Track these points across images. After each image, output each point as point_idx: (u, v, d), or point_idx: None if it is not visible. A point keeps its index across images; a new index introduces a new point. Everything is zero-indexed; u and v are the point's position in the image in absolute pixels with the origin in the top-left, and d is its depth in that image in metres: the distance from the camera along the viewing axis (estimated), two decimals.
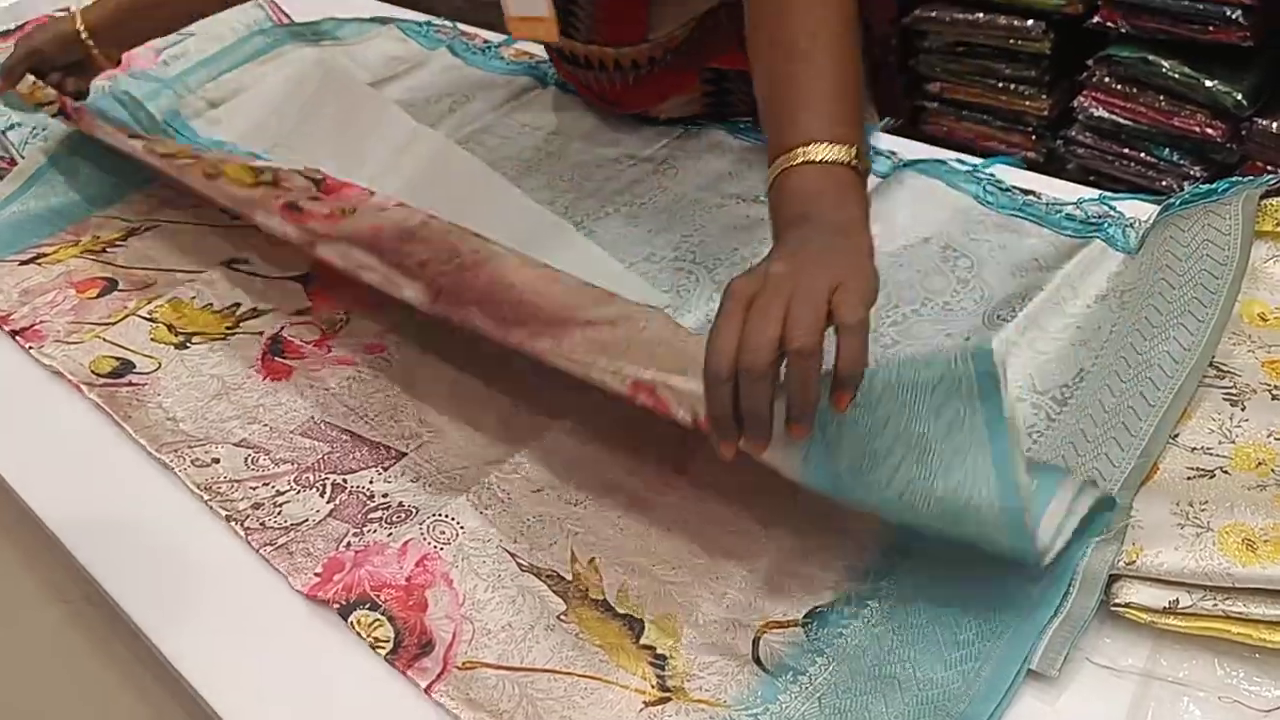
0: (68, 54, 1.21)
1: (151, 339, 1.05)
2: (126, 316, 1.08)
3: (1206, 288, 0.84)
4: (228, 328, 1.05)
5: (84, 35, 1.19)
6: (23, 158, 1.33)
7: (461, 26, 1.62)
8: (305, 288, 1.10)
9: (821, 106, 0.74)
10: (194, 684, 0.75)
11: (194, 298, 1.10)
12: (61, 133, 1.34)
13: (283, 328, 1.04)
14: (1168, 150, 2.04)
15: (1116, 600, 0.68)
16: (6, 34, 1.53)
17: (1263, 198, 0.91)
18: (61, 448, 0.96)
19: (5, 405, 1.02)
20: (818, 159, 0.71)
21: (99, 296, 1.12)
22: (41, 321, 1.08)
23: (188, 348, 1.03)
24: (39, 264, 1.18)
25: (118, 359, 1.02)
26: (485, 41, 1.55)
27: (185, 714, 0.78)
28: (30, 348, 1.04)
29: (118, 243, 1.20)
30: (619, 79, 1.22)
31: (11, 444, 0.97)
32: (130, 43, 1.26)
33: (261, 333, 1.04)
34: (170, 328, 1.06)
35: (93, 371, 1.01)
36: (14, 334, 1.07)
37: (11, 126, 1.36)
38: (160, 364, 1.01)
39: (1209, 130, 1.93)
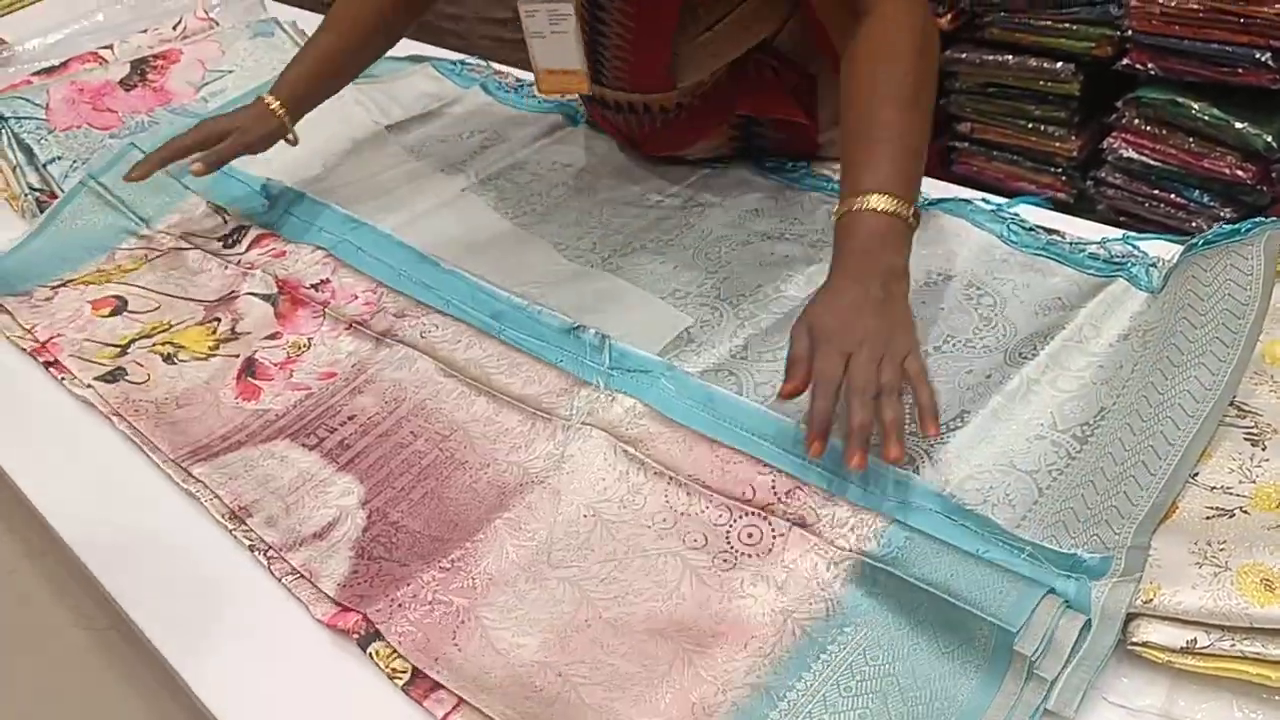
0: (268, 138, 1.25)
1: (149, 353, 1.10)
2: (135, 339, 1.13)
3: (1228, 328, 0.84)
4: (210, 348, 1.10)
5: (287, 121, 1.24)
6: (62, 190, 1.36)
7: (495, 65, 1.64)
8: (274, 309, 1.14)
9: (892, 163, 0.89)
10: (214, 710, 0.76)
11: (187, 319, 1.16)
12: (98, 169, 1.37)
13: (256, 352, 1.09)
14: (1197, 192, 2.03)
15: (1134, 639, 0.67)
16: (49, 71, 1.56)
17: None
18: (91, 475, 0.97)
19: (36, 432, 1.04)
20: (879, 208, 0.86)
21: (110, 315, 1.17)
22: (59, 335, 1.13)
23: (174, 363, 1.08)
24: (68, 287, 1.23)
25: (115, 368, 1.08)
26: (518, 80, 1.58)
27: None
28: (64, 379, 1.07)
29: (133, 270, 1.25)
30: (647, 122, 1.23)
31: (42, 472, 0.99)
32: (306, 113, 1.28)
33: (237, 355, 1.08)
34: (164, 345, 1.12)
35: (95, 379, 1.06)
36: (48, 365, 1.10)
37: (53, 160, 1.39)
38: (150, 376, 1.07)
39: (1239, 172, 1.92)
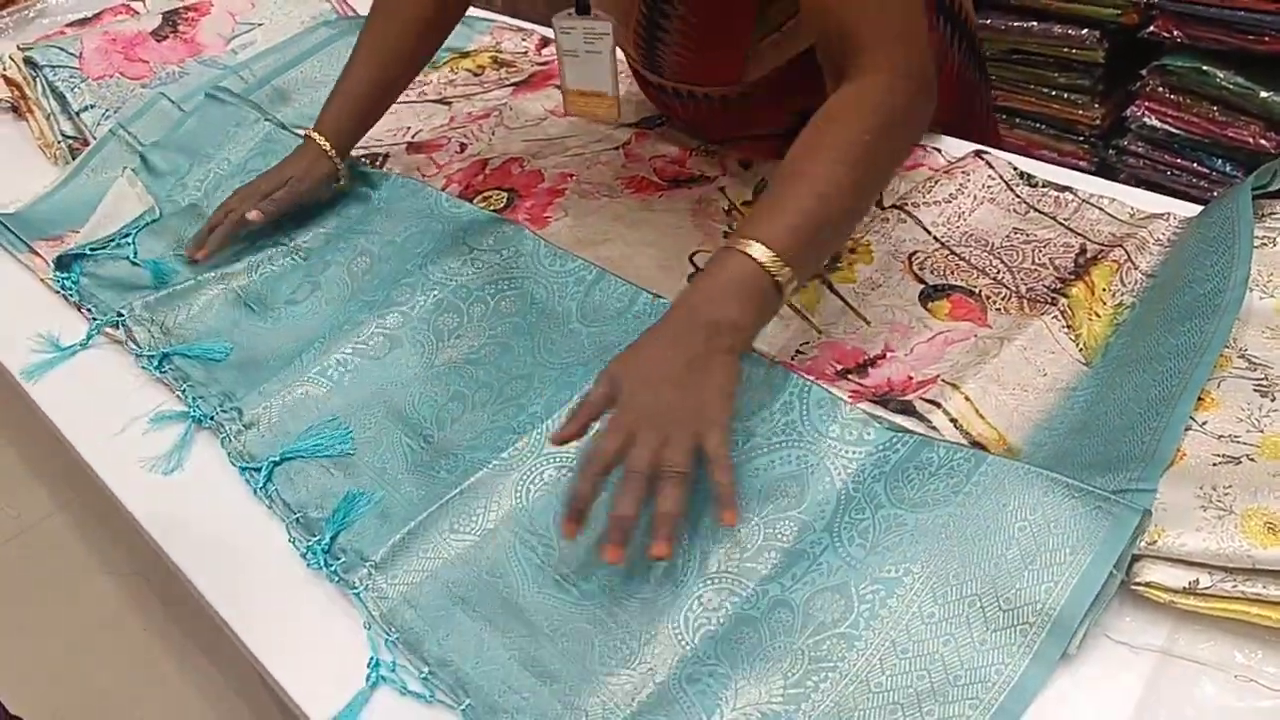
0: (323, 182, 1.19)
1: None
2: None
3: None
4: None
5: (338, 164, 1.18)
6: (94, 138, 1.38)
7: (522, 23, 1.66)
8: None
9: (796, 220, 0.79)
10: (258, 655, 0.78)
11: None
12: (127, 118, 1.39)
13: None
14: (1220, 161, 2.03)
15: (1137, 580, 0.69)
16: (83, 22, 1.59)
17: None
18: (122, 413, 0.99)
19: (69, 373, 1.06)
20: (752, 255, 0.77)
21: None
22: None
23: None
24: None
25: None
26: (543, 39, 1.59)
27: (225, 682, 0.81)
28: (95, 319, 1.09)
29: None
30: (707, 108, 1.20)
31: (76, 411, 1.01)
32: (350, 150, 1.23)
33: None
34: None
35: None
36: (79, 306, 1.12)
37: (86, 108, 1.41)
38: None
39: (1262, 141, 1.92)
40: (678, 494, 0.71)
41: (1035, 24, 2.16)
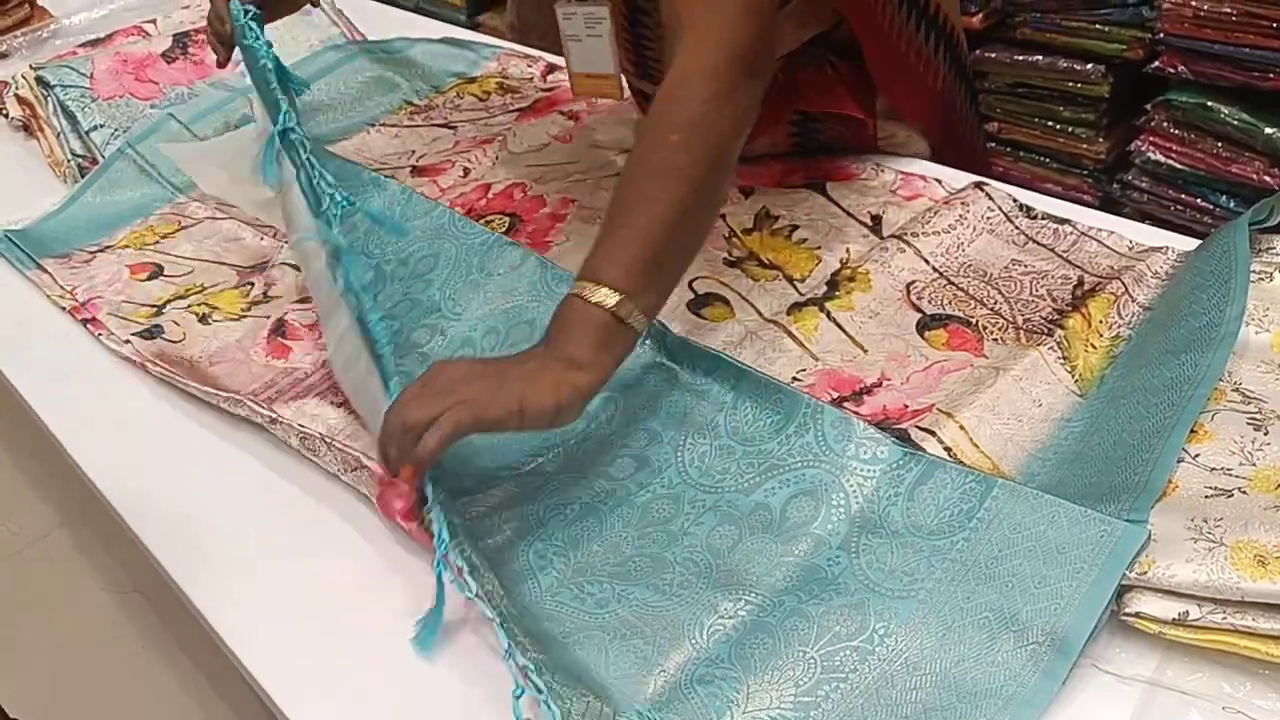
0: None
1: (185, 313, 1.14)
2: (170, 300, 1.17)
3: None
4: (243, 309, 1.14)
5: None
6: (104, 157, 1.40)
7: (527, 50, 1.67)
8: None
9: (627, 255, 0.80)
10: (250, 668, 0.78)
11: (221, 282, 1.19)
12: (135, 137, 1.41)
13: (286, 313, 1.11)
14: (1224, 197, 2.03)
15: (1127, 610, 0.69)
16: (95, 43, 1.60)
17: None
18: (127, 432, 1.00)
19: (75, 391, 1.07)
20: (595, 301, 0.78)
21: (147, 280, 1.21)
22: (98, 297, 1.17)
23: (209, 323, 1.12)
24: (106, 252, 1.27)
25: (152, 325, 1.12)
26: (549, 66, 1.60)
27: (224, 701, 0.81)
28: (101, 335, 1.10)
29: (169, 235, 1.29)
30: None
31: (81, 428, 1.02)
32: None
33: (269, 316, 1.11)
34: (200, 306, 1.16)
35: (133, 335, 1.10)
36: (85, 322, 1.13)
37: (95, 127, 1.42)
38: (185, 335, 1.10)
39: (1266, 178, 1.92)
40: (399, 445, 0.75)
41: (1040, 58, 2.17)
